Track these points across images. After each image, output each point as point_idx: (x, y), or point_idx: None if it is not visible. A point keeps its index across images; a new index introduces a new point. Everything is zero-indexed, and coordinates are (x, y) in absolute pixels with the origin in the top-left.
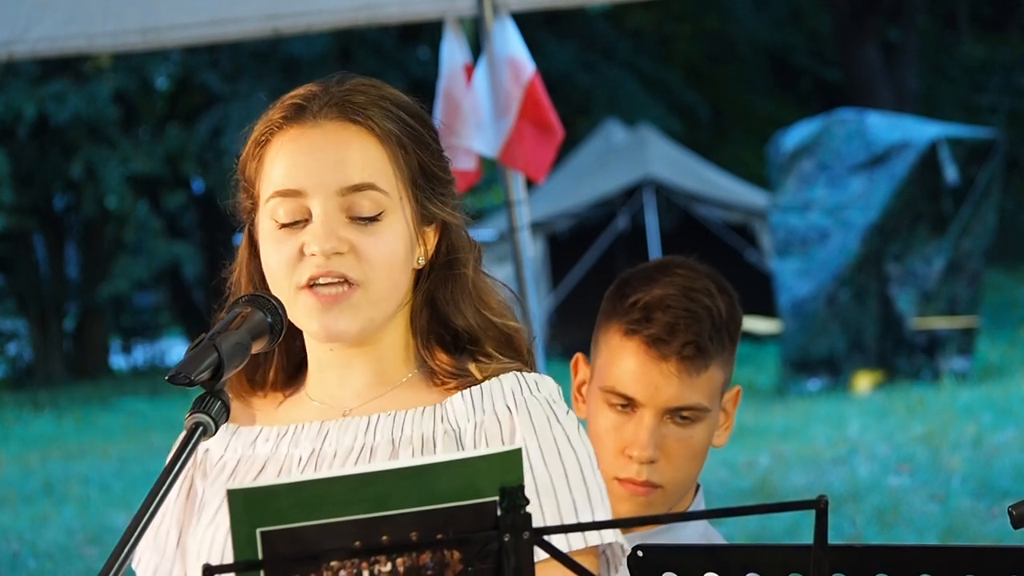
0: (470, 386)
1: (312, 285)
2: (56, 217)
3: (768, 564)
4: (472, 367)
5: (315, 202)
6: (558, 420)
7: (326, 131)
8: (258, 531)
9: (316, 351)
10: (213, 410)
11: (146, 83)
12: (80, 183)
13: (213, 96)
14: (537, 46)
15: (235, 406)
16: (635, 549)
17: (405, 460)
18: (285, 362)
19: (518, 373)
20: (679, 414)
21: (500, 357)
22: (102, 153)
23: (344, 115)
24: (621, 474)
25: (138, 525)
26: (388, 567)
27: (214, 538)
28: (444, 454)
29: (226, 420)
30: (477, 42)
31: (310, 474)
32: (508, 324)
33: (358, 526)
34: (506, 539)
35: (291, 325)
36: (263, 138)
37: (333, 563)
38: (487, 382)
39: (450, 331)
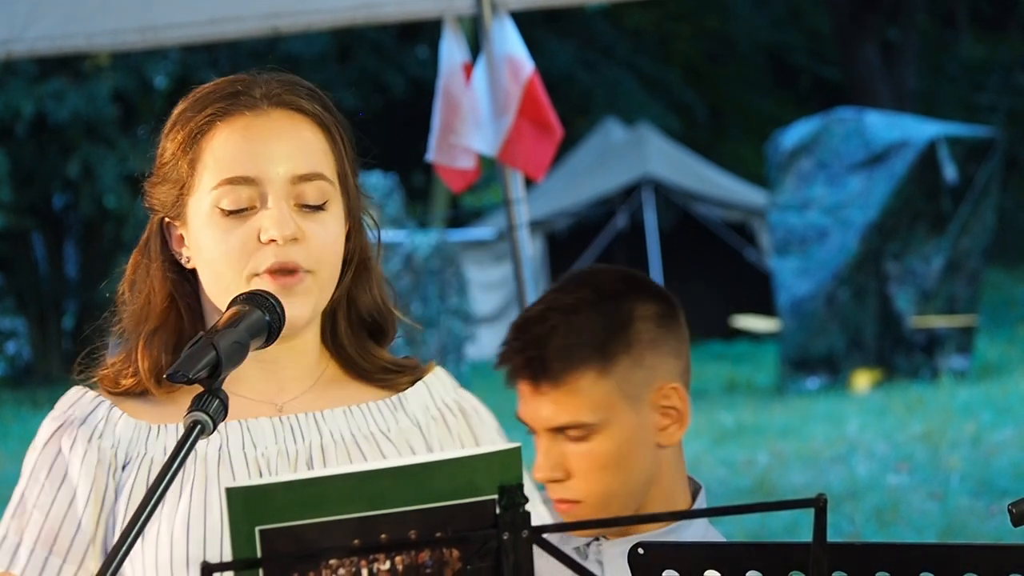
0: (416, 380)
1: (266, 272)
2: (55, 216)
3: (767, 562)
4: (421, 362)
5: (268, 189)
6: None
7: (276, 120)
8: (257, 529)
9: None
10: (211, 408)
11: (145, 82)
12: (79, 182)
13: None
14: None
15: (137, 405)
16: (635, 547)
17: (404, 458)
18: None
19: (436, 370)
20: (565, 433)
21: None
22: (100, 152)
23: (292, 104)
24: (549, 496)
25: (136, 524)
26: (387, 565)
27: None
28: (443, 452)
29: (224, 419)
30: (476, 41)
31: (308, 473)
32: (396, 315)
33: (357, 524)
34: (505, 537)
35: (201, 318)
36: (204, 127)
37: (332, 561)
38: (428, 377)
39: (364, 324)
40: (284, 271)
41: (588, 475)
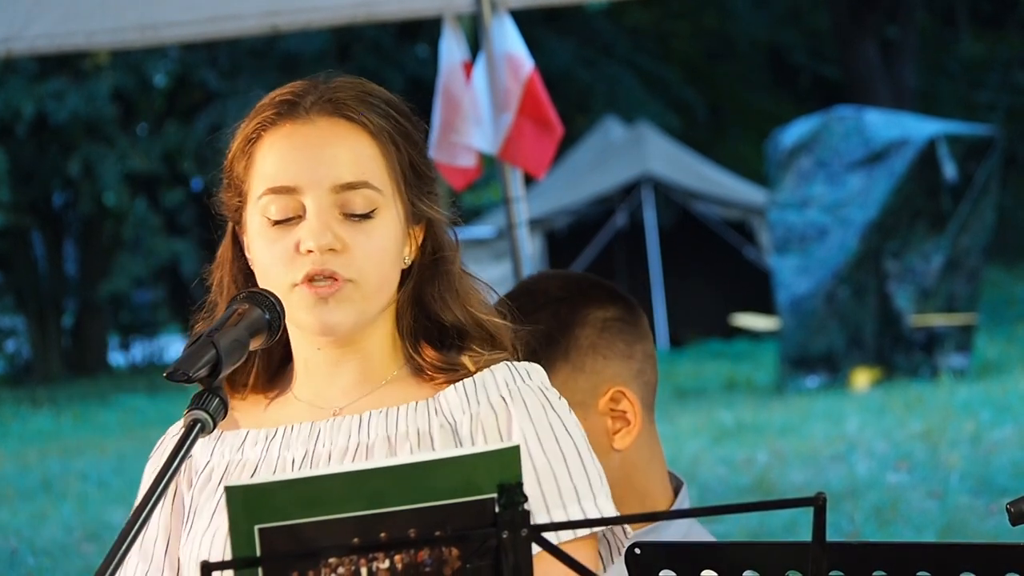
0: (462, 378)
1: (306, 281)
2: (55, 214)
3: (766, 561)
4: (465, 359)
5: (309, 199)
6: (553, 407)
7: (320, 128)
8: (256, 528)
9: (303, 350)
10: (211, 407)
11: (144, 80)
12: (78, 180)
13: (211, 93)
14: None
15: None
16: (632, 547)
17: (403, 457)
18: (267, 363)
19: (508, 363)
20: None
21: (486, 351)
22: (100, 150)
23: (338, 112)
24: None
25: (136, 523)
26: (386, 564)
27: (212, 542)
28: (442, 451)
29: (224, 417)
30: (476, 39)
31: (307, 471)
32: (492, 320)
33: (356, 523)
34: (504, 536)
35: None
36: (254, 135)
37: (331, 560)
38: (479, 374)
39: (437, 327)
40: (322, 279)
41: None
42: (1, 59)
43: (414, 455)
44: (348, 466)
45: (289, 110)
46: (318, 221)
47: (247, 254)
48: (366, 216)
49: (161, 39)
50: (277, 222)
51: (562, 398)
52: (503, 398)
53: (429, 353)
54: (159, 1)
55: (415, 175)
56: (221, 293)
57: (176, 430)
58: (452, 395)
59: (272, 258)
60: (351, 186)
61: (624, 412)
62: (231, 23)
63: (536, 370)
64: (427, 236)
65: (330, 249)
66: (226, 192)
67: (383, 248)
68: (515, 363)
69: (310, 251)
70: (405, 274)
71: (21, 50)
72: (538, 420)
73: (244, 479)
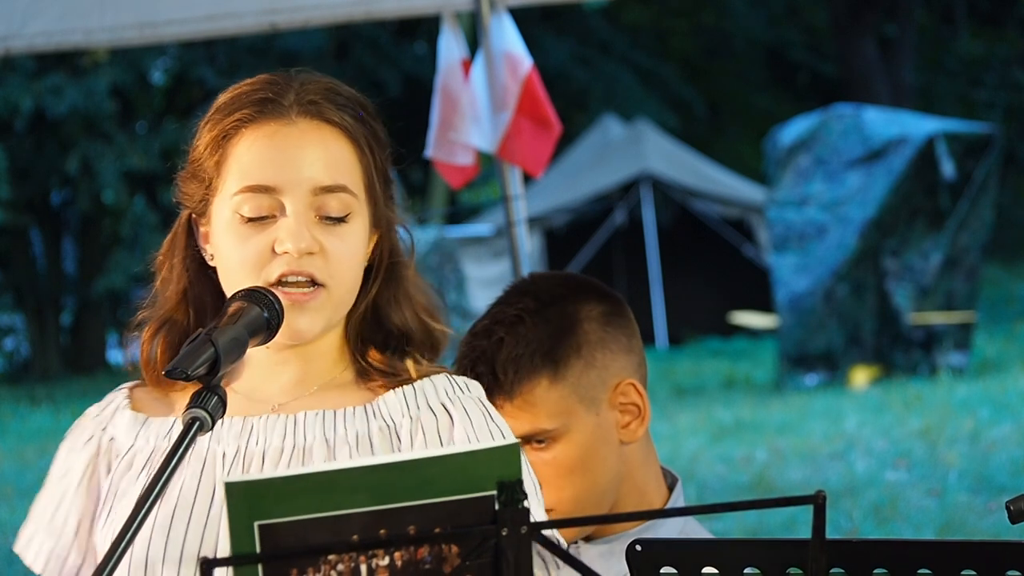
0: (403, 384)
1: (279, 282)
2: (53, 212)
3: (766, 559)
4: (409, 365)
5: (288, 200)
6: (492, 418)
7: (301, 129)
8: (256, 524)
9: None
10: (210, 405)
11: (143, 78)
12: (77, 178)
13: (210, 91)
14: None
15: (150, 397)
16: (633, 544)
17: (403, 453)
18: None
19: (447, 375)
20: (528, 443)
21: (426, 358)
22: (99, 148)
23: (319, 115)
24: None
25: (134, 522)
26: (386, 561)
27: (146, 532)
28: (442, 448)
29: (222, 415)
30: (474, 37)
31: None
32: (436, 327)
33: (356, 520)
34: (504, 533)
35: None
36: (231, 130)
37: (331, 556)
38: (419, 381)
39: (383, 331)
40: (296, 280)
41: (555, 482)
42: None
43: (414, 452)
44: (348, 462)
45: (271, 109)
46: (297, 223)
47: (202, 244)
48: (340, 220)
49: (160, 37)
50: (250, 219)
51: (498, 413)
52: (443, 405)
53: (375, 356)
54: None
55: (382, 179)
56: (171, 280)
57: (96, 411)
58: (392, 399)
59: (243, 256)
60: (329, 189)
61: (634, 404)
62: (229, 21)
63: (475, 384)
64: (383, 239)
65: (308, 252)
66: (190, 182)
67: (354, 252)
68: (454, 376)
69: (287, 252)
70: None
71: (19, 48)
72: (479, 428)
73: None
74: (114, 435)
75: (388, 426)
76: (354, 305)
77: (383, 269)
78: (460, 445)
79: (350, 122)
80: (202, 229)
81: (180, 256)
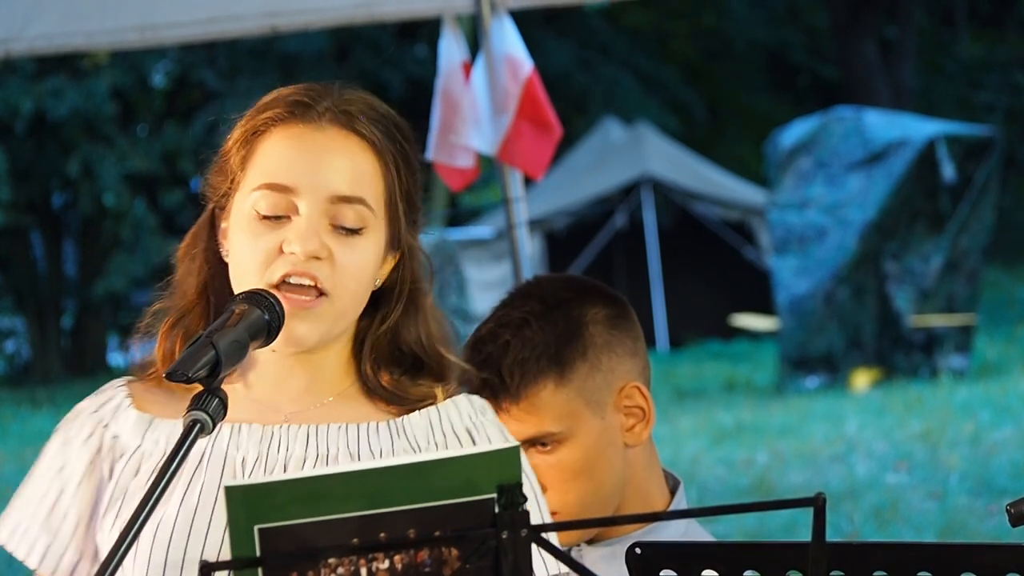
0: (427, 406)
1: (283, 283)
2: (54, 214)
3: (766, 562)
4: (438, 390)
5: (303, 202)
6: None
7: (329, 136)
8: (256, 528)
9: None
10: (211, 408)
11: (143, 80)
12: (77, 180)
13: (210, 93)
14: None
15: (154, 397)
16: (633, 546)
17: (403, 457)
18: None
19: (468, 395)
20: (533, 447)
21: (434, 384)
22: (99, 150)
23: (349, 124)
24: None
25: (135, 523)
26: (386, 564)
27: (156, 533)
28: (442, 451)
29: (223, 418)
30: (475, 40)
31: (307, 471)
32: (449, 358)
33: (356, 523)
34: (504, 536)
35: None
36: (261, 127)
37: (331, 560)
38: (443, 404)
39: (396, 353)
40: (299, 280)
41: (561, 486)
42: (0, 60)
43: (414, 455)
44: (348, 466)
45: (302, 112)
46: (308, 226)
47: (221, 240)
48: (354, 231)
49: (160, 40)
50: (265, 217)
51: (504, 416)
52: (468, 430)
53: (386, 379)
54: (158, 2)
55: (407, 202)
56: (192, 273)
57: (92, 406)
58: (417, 420)
59: (252, 253)
60: (347, 199)
61: (639, 407)
62: (230, 24)
63: (488, 407)
64: (403, 264)
65: (315, 256)
66: (217, 175)
67: (362, 266)
68: (471, 396)
69: (294, 253)
70: (371, 297)
71: (20, 51)
72: None
73: (187, 470)
74: (117, 433)
75: (413, 448)
76: (373, 326)
77: (405, 293)
78: (460, 448)
79: (380, 138)
80: (222, 224)
81: (202, 248)
